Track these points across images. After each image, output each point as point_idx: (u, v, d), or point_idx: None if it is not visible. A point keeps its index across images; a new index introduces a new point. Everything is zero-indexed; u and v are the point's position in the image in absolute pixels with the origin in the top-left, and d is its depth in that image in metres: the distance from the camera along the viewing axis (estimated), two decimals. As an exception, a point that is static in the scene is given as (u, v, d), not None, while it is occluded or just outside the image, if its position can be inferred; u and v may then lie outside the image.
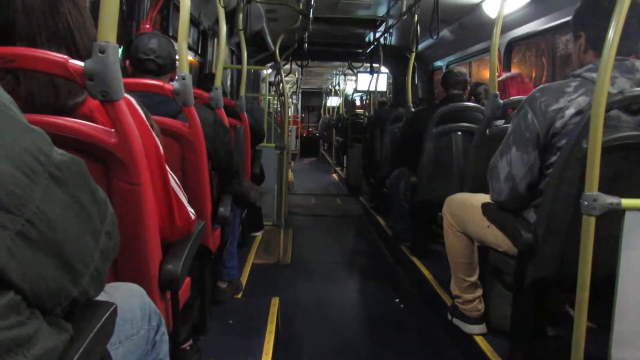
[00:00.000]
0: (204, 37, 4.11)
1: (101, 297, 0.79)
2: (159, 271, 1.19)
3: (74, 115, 1.01)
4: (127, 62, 1.93)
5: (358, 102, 12.39)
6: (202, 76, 3.82)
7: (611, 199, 1.28)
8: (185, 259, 1.26)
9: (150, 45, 1.85)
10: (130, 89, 1.18)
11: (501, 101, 2.23)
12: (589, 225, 1.30)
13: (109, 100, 0.94)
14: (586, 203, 1.29)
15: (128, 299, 1.00)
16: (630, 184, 1.48)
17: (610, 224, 1.33)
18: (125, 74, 1.95)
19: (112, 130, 1.00)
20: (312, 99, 17.74)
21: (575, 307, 1.34)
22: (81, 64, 0.91)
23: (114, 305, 0.80)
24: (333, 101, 14.07)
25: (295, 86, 11.82)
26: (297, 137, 13.52)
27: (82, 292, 0.69)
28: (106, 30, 0.92)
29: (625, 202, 1.28)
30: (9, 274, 0.56)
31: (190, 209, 1.37)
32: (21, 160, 0.58)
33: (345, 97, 12.92)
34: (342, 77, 11.65)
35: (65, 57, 0.91)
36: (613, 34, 1.23)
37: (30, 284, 0.59)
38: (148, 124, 1.18)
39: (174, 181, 1.29)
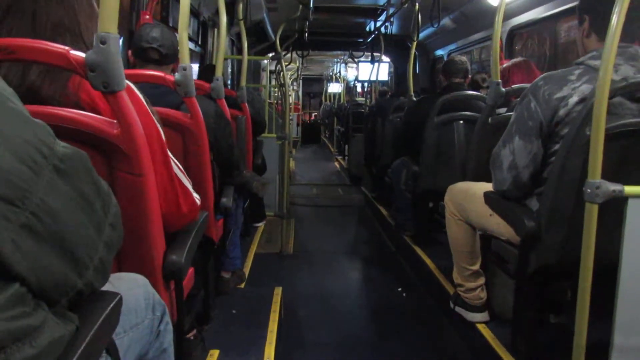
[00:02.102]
0: (204, 28, 4.09)
1: (105, 287, 0.80)
2: (162, 261, 1.20)
3: (73, 102, 1.01)
4: (130, 52, 1.93)
5: (359, 89, 12.34)
6: (203, 67, 3.81)
7: (614, 187, 1.28)
8: (188, 249, 1.26)
9: (152, 34, 1.85)
10: (132, 80, 1.18)
11: (503, 89, 2.22)
12: (592, 213, 1.30)
13: (110, 91, 0.94)
14: (589, 190, 1.29)
15: (132, 289, 1.01)
16: (633, 171, 1.48)
17: (613, 212, 1.32)
18: (127, 64, 1.95)
19: (114, 121, 1.00)
20: (314, 85, 17.59)
21: (578, 294, 1.34)
22: (82, 55, 0.91)
23: (119, 296, 0.80)
24: (334, 87, 13.97)
25: (296, 74, 11.77)
26: (298, 125, 13.43)
27: (87, 284, 0.70)
28: (107, 21, 0.92)
29: (628, 189, 1.28)
30: (14, 265, 0.57)
31: (195, 195, 1.38)
32: (24, 153, 0.58)
33: (347, 85, 12.86)
34: (343, 65, 11.60)
35: (67, 48, 0.91)
36: (616, 20, 1.22)
37: (35, 275, 0.60)
38: (150, 112, 1.18)
39: (177, 168, 1.29)
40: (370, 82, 6.95)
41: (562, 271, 1.71)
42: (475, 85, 3.34)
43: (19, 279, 0.58)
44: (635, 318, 1.34)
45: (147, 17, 2.35)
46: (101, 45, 0.90)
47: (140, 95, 1.13)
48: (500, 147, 1.80)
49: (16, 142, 0.57)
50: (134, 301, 0.99)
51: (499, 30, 2.18)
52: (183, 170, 1.34)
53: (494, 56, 2.23)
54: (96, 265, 0.70)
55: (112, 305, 0.77)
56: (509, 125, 1.78)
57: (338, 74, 13.06)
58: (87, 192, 0.68)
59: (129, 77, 1.02)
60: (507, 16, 3.57)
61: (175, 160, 1.30)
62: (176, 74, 1.62)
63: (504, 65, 2.71)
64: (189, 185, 1.35)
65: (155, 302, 1.07)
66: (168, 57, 1.88)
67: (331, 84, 14.26)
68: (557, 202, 1.59)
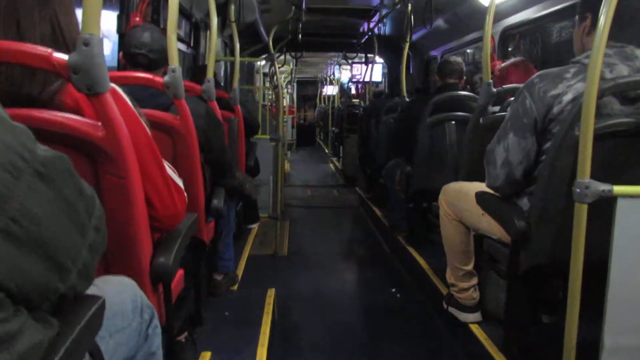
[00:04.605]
0: (196, 29, 4.08)
1: (91, 290, 0.79)
2: (150, 264, 1.19)
3: (56, 106, 1.00)
4: (121, 54, 1.92)
5: (353, 91, 12.34)
6: (195, 68, 3.80)
7: (603, 187, 1.28)
8: (176, 252, 1.26)
9: (142, 39, 1.84)
10: (120, 82, 1.17)
11: (494, 89, 2.23)
12: (581, 213, 1.30)
13: (94, 94, 0.93)
14: (578, 190, 1.29)
15: (119, 292, 1.00)
16: (621, 171, 1.48)
17: (603, 211, 1.32)
18: (119, 66, 1.94)
19: (99, 123, 0.99)
20: (308, 87, 17.61)
21: (568, 294, 1.34)
22: (65, 57, 0.90)
23: (102, 299, 0.79)
24: (329, 90, 13.99)
25: (290, 76, 11.77)
26: (293, 127, 13.48)
27: (70, 288, 0.69)
28: (90, 23, 0.91)
29: (617, 189, 1.28)
30: None
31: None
32: (3, 158, 0.57)
33: (341, 86, 12.87)
34: (337, 66, 11.61)
35: (49, 50, 0.90)
36: (604, 20, 1.23)
37: (15, 280, 0.59)
38: (136, 113, 1.17)
39: (168, 167, 1.29)
40: (364, 83, 6.95)
41: (553, 271, 1.71)
42: (474, 86, 3.34)
43: None
44: (625, 318, 1.34)
45: (137, 19, 2.34)
46: (84, 47, 0.89)
47: (127, 98, 1.13)
48: (494, 144, 1.81)
49: None
50: (120, 304, 0.98)
51: (490, 30, 2.19)
52: (172, 168, 1.34)
53: (485, 57, 2.23)
54: (79, 269, 0.70)
55: (94, 309, 0.76)
56: (504, 121, 1.78)
57: (332, 76, 13.06)
58: (69, 196, 0.67)
59: (117, 79, 1.01)
60: (500, 17, 3.58)
61: (166, 161, 1.29)
62: (165, 75, 1.61)
63: (502, 64, 2.71)
64: (179, 181, 1.34)
65: (144, 306, 1.06)
66: (157, 62, 1.86)
67: (325, 87, 14.28)
68: (547, 201, 1.60)
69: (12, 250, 0.58)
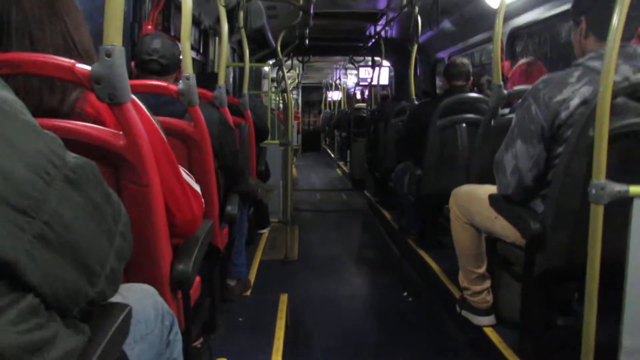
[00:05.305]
0: (205, 36, 4.11)
1: (115, 298, 0.80)
2: (170, 271, 1.20)
3: (78, 116, 1.02)
4: (133, 63, 1.94)
5: (359, 96, 12.36)
6: (205, 75, 3.82)
7: (619, 187, 1.28)
8: (195, 259, 1.27)
9: (153, 45, 1.86)
10: (136, 91, 1.18)
11: (505, 91, 2.23)
12: (597, 214, 1.29)
13: (116, 103, 0.94)
14: (594, 191, 1.29)
15: (141, 299, 1.01)
16: (638, 171, 1.47)
17: (619, 212, 1.32)
18: (131, 75, 1.96)
19: (120, 132, 1.00)
20: (313, 93, 17.62)
21: (585, 296, 1.34)
22: (88, 67, 0.91)
23: (130, 307, 0.81)
24: (334, 95, 14.04)
25: (296, 81, 11.81)
26: (298, 133, 13.57)
27: (99, 293, 0.70)
28: (112, 33, 0.92)
29: (634, 189, 1.28)
30: (28, 276, 0.57)
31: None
32: (36, 164, 0.59)
33: (347, 91, 12.88)
34: (343, 71, 11.63)
35: (72, 61, 0.91)
36: (617, 20, 1.23)
37: (49, 285, 0.61)
38: (152, 120, 1.19)
39: (184, 172, 1.30)
40: (370, 86, 6.96)
41: (568, 273, 1.71)
42: (481, 88, 3.34)
43: (33, 289, 0.59)
44: (644, 318, 1.33)
45: (149, 27, 2.36)
46: (106, 58, 0.91)
47: (143, 106, 1.14)
48: (502, 152, 1.81)
49: (28, 153, 0.58)
50: (143, 311, 0.99)
51: (500, 32, 2.18)
52: (189, 173, 1.35)
53: (495, 58, 2.23)
54: (107, 275, 0.71)
55: (122, 316, 0.77)
56: (510, 129, 1.78)
57: (338, 81, 13.08)
58: (98, 202, 0.69)
59: (133, 87, 1.03)
60: (507, 17, 3.57)
61: (182, 167, 1.31)
62: (179, 83, 1.63)
63: (521, 62, 2.71)
64: (196, 187, 1.36)
65: (165, 312, 1.07)
66: (169, 68, 1.89)
67: (330, 92, 14.33)
68: (562, 203, 1.59)
69: (46, 255, 0.59)
